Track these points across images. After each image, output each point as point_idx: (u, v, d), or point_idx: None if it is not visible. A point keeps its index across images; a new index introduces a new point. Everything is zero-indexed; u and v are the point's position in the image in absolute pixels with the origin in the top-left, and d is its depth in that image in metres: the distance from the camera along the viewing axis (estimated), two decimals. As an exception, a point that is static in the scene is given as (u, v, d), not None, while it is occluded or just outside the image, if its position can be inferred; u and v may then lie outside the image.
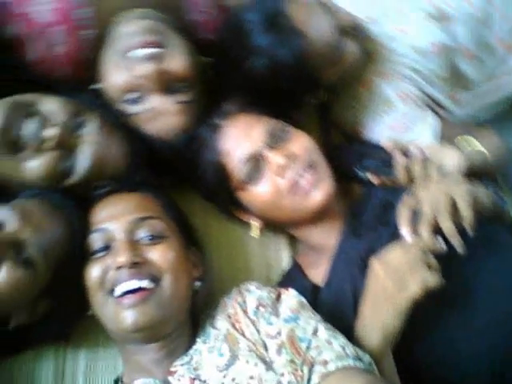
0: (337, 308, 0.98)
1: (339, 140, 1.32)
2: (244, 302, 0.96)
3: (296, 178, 1.03)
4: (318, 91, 1.16)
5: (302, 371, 0.82)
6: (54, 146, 0.98)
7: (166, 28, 1.09)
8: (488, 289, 0.94)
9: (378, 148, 1.15)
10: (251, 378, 0.84)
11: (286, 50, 1.03)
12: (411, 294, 0.83)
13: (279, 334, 0.88)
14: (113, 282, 0.91)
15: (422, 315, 0.85)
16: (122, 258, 0.90)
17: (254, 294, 0.97)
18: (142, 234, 0.94)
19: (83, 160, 1.01)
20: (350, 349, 0.83)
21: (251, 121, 1.07)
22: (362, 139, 1.25)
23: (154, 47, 1.04)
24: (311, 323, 0.87)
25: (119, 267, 0.90)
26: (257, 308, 0.93)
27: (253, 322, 0.92)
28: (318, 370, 0.80)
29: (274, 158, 1.02)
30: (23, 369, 1.05)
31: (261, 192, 1.05)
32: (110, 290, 0.91)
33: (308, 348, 0.84)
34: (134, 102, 1.06)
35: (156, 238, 0.95)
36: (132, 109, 1.07)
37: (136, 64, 1.03)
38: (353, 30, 1.12)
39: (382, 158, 1.10)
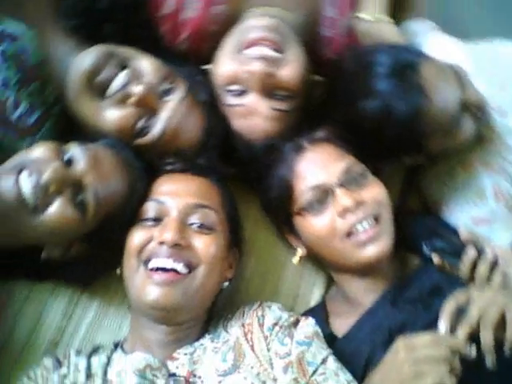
0: (345, 365, 0.95)
1: (415, 207, 1.28)
2: (263, 316, 0.96)
3: (356, 225, 1.00)
4: (417, 154, 1.12)
5: None
6: (135, 103, 0.99)
7: (289, 33, 1.08)
8: None
9: (452, 231, 1.10)
10: None
11: (404, 104, 1.00)
12: None
13: (289, 354, 0.88)
14: (151, 253, 0.92)
15: None
16: (168, 234, 0.91)
17: (274, 312, 0.96)
18: (194, 219, 0.95)
19: (159, 124, 1.02)
20: None
21: (335, 153, 1.06)
22: (439, 216, 1.20)
23: (272, 48, 1.04)
24: (322, 352, 0.89)
25: (162, 242, 0.91)
26: (273, 326, 0.93)
27: (265, 338, 0.92)
28: None
29: (342, 198, 1.00)
30: (36, 301, 1.08)
31: (317, 225, 1.03)
32: (145, 260, 0.93)
33: (314, 373, 0.85)
34: (235, 94, 1.07)
35: (205, 228, 0.95)
36: (230, 100, 1.08)
37: (249, 60, 1.03)
38: (476, 110, 1.08)
39: (453, 243, 1.05)
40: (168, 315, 0.91)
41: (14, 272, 1.05)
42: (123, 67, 1.01)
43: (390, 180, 1.13)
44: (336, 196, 1.01)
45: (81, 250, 0.98)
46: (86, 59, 1.00)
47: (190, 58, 1.16)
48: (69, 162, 0.91)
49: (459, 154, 1.16)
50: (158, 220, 0.96)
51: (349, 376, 0.87)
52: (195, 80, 1.09)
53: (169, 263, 0.90)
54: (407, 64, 1.02)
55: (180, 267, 0.91)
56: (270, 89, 1.04)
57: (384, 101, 1.01)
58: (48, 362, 0.96)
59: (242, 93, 1.06)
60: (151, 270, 0.91)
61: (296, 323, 0.95)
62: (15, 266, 1.03)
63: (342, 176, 1.02)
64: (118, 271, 1.00)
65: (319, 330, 0.94)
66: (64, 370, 0.94)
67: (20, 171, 0.89)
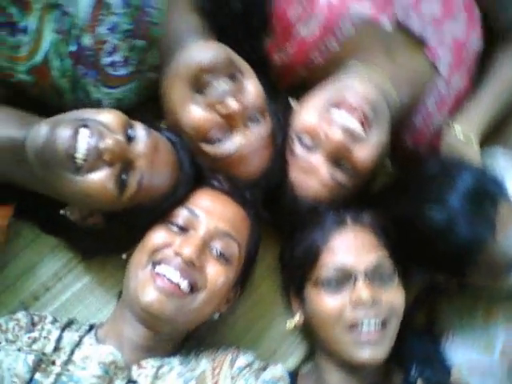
0: None
1: (420, 322, 1.25)
2: (236, 356, 0.95)
3: (363, 321, 0.98)
4: (452, 278, 1.09)
5: None
6: (222, 115, 0.96)
7: (384, 113, 1.04)
8: None
9: (444, 365, 1.08)
10: None
11: (470, 230, 0.97)
12: None
13: None
14: (164, 258, 0.92)
15: None
16: (188, 250, 0.91)
17: (247, 356, 0.96)
18: (217, 245, 0.95)
19: (231, 145, 0.99)
20: None
21: (373, 242, 1.04)
22: (439, 342, 1.17)
23: (360, 123, 1.01)
24: None
25: (178, 254, 0.91)
26: (244, 368, 0.92)
27: (232, 377, 0.91)
28: None
29: (362, 290, 0.98)
30: (35, 251, 1.08)
31: (326, 303, 1.01)
32: (155, 262, 0.92)
33: None
34: (304, 145, 1.04)
35: (223, 258, 0.95)
36: (297, 148, 1.05)
37: (333, 123, 1.01)
38: None
39: (441, 378, 1.04)
40: (154, 322, 0.91)
41: (28, 214, 1.06)
42: (232, 77, 0.99)
43: (407, 286, 1.10)
44: (356, 285, 0.99)
45: (98, 222, 0.97)
46: (206, 54, 0.98)
47: (276, 79, 1.16)
48: (130, 139, 0.90)
49: (489, 297, 1.13)
50: (184, 229, 0.95)
51: None
52: (278, 120, 1.08)
53: (175, 276, 0.90)
54: (489, 194, 1.00)
55: (184, 285, 0.90)
56: (338, 158, 1.02)
57: (451, 216, 0.98)
58: (23, 318, 0.96)
59: (311, 148, 1.04)
60: (157, 273, 0.91)
61: (265, 368, 0.95)
62: (32, 209, 1.03)
63: (370, 268, 1.00)
64: (125, 256, 0.99)
65: (287, 377, 0.95)
66: (36, 333, 0.93)
67: (81, 126, 0.87)
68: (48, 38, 0.96)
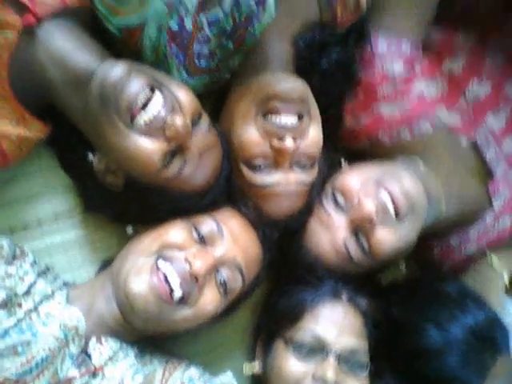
0: None
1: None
2: (188, 367, 0.93)
3: None
4: None
5: None
6: None
7: (421, 212, 1.03)
8: None
9: None
10: None
11: (458, 365, 0.96)
12: None
13: None
14: (171, 258, 0.88)
15: None
16: (199, 265, 0.87)
17: (200, 370, 0.94)
18: (224, 274, 0.92)
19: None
20: None
21: (358, 328, 1.02)
22: None
23: (394, 213, 1.01)
24: None
25: (188, 262, 0.87)
26: (195, 378, 0.91)
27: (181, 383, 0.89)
28: None
29: (328, 369, 0.95)
30: (41, 179, 1.03)
31: (291, 366, 0.98)
32: (161, 256, 0.88)
33: None
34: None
35: (223, 288, 0.92)
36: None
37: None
38: None
39: None
40: (130, 313, 0.87)
41: (57, 143, 1.01)
42: (299, 116, 0.98)
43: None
44: (326, 361, 0.97)
45: (116, 184, 0.93)
46: (285, 83, 0.98)
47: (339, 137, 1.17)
48: (193, 126, 0.88)
49: None
50: (203, 241, 0.92)
51: None
52: (323, 176, 1.08)
53: (175, 281, 0.86)
54: (493, 343, 1.00)
55: (178, 294, 0.86)
56: (359, 229, 1.02)
57: (447, 345, 0.97)
58: (7, 247, 0.92)
59: (340, 208, 1.04)
60: (158, 268, 0.87)
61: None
62: (63, 140, 0.99)
63: (346, 351, 0.98)
64: (129, 231, 0.96)
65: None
66: (13, 269, 0.90)
67: (157, 89, 0.85)
68: (155, 5, 0.92)
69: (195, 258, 0.87)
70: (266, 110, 0.97)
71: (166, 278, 0.86)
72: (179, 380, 0.89)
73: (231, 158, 1.00)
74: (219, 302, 0.91)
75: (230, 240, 0.93)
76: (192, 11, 0.93)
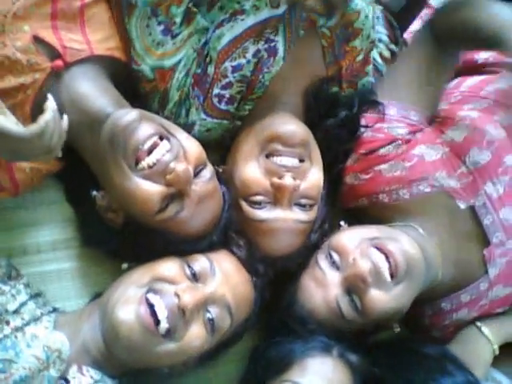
0: None
1: None
2: None
3: None
4: None
5: None
6: None
7: (421, 270, 1.04)
8: None
9: None
10: None
11: None
12: None
13: None
14: (160, 291, 0.90)
15: None
16: (187, 299, 0.88)
17: None
18: (213, 312, 0.93)
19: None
20: None
21: (344, 382, 1.00)
22: None
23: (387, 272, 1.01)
24: None
25: (177, 295, 0.89)
26: None
27: None
28: None
29: None
30: (46, 211, 1.08)
31: None
32: (151, 289, 0.90)
33: None
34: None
35: (210, 326, 0.92)
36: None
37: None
38: None
39: None
40: (114, 342, 0.88)
41: (66, 176, 1.07)
42: (301, 160, 1.03)
43: None
44: None
45: (116, 221, 0.97)
46: (288, 126, 1.04)
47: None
48: (196, 174, 0.94)
49: None
50: (195, 277, 0.94)
51: None
52: (322, 222, 1.11)
53: (162, 314, 0.87)
54: None
55: (164, 326, 0.87)
56: (352, 288, 1.02)
57: None
58: (4, 267, 0.96)
59: (334, 266, 1.05)
60: (147, 299, 0.88)
61: None
62: (73, 175, 1.05)
63: None
64: (125, 266, 0.98)
65: None
66: (7, 287, 0.92)
67: (165, 137, 0.92)
68: (186, 51, 1.04)
69: (185, 292, 0.89)
70: (269, 151, 1.02)
71: (153, 309, 0.87)
72: None
73: (230, 203, 1.03)
74: (205, 338, 0.92)
75: (222, 279, 0.95)
76: (215, 59, 1.04)
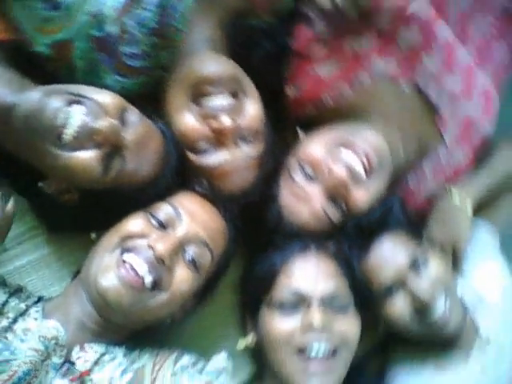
0: None
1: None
2: (180, 357, 0.93)
3: (312, 345, 0.97)
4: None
5: None
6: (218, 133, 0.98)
7: (386, 164, 1.07)
8: None
9: None
10: None
11: None
12: None
13: None
14: (134, 247, 0.89)
15: None
16: (162, 247, 0.88)
17: (192, 357, 0.94)
18: (192, 252, 0.93)
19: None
20: None
21: (333, 271, 1.04)
22: None
23: (362, 168, 1.03)
24: None
25: (151, 247, 0.88)
26: (187, 367, 0.90)
27: (173, 374, 0.88)
28: None
29: (314, 315, 0.97)
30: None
31: (279, 325, 1.00)
32: (125, 248, 0.89)
33: None
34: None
35: (193, 265, 0.93)
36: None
37: (345, 164, 1.02)
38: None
39: None
40: (106, 308, 0.87)
41: (6, 172, 1.02)
42: (234, 94, 1.00)
43: (366, 334, 1.09)
44: (310, 310, 0.98)
45: (73, 199, 0.95)
46: (211, 65, 1.00)
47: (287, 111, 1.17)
48: (123, 123, 0.89)
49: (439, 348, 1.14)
50: (163, 226, 0.93)
51: None
52: (272, 146, 1.09)
53: (142, 269, 0.87)
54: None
55: (148, 280, 0.87)
56: (336, 195, 1.04)
57: None
58: None
59: (311, 178, 1.05)
60: (124, 261, 0.88)
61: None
62: (12, 169, 0.99)
63: (327, 296, 1.00)
64: (94, 236, 0.97)
65: (230, 367, 0.93)
66: None
67: (75, 102, 0.86)
68: (80, 18, 0.96)
69: (157, 241, 0.88)
70: (198, 95, 0.98)
71: (133, 268, 0.87)
72: (170, 371, 0.88)
73: (177, 142, 1.00)
74: (192, 279, 0.92)
75: (189, 219, 0.94)
76: (113, 16, 0.97)
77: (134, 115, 0.92)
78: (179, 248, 0.91)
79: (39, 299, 0.96)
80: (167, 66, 1.06)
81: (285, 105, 1.19)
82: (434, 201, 1.21)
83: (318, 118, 1.17)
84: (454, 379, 1.11)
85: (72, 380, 0.84)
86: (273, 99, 1.11)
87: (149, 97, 1.08)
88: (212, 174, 1.01)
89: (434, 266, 1.07)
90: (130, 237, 0.90)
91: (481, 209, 1.22)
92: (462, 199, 1.17)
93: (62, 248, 1.06)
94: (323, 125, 1.14)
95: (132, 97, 1.01)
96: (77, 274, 0.99)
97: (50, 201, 0.95)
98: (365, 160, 1.02)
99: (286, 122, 1.20)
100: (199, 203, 0.99)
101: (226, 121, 0.96)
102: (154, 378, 0.87)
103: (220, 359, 0.94)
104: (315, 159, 1.04)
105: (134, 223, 0.92)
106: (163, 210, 0.95)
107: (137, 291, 0.86)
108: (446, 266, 1.11)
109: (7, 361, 0.80)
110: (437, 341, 1.12)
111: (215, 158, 1.00)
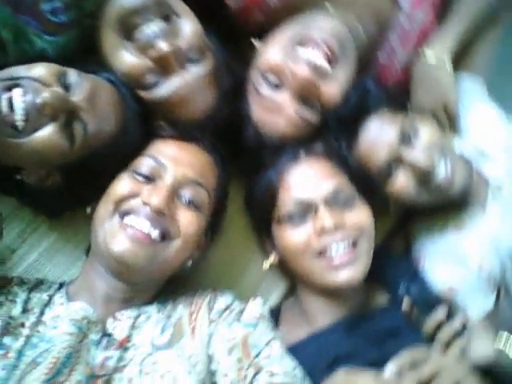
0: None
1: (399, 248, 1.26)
2: (214, 300, 0.94)
3: (330, 246, 0.98)
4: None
5: (246, 372, 0.82)
6: (153, 59, 0.95)
7: (351, 48, 1.03)
8: None
9: (429, 285, 1.09)
10: (168, 372, 0.82)
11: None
12: None
13: (234, 338, 0.87)
14: (131, 209, 0.89)
15: None
16: (156, 199, 0.88)
17: (226, 298, 0.95)
18: (186, 194, 0.93)
19: (167, 87, 0.97)
20: (300, 372, 0.86)
21: (329, 170, 1.03)
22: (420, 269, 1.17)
23: (326, 58, 0.99)
24: (267, 334, 0.89)
25: (147, 203, 0.88)
26: (223, 311, 0.92)
27: (210, 322, 0.90)
28: (264, 378, 0.81)
29: (324, 218, 0.97)
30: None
31: (293, 237, 1.00)
32: (123, 212, 0.89)
33: (257, 355, 0.84)
34: (270, 84, 1.01)
35: (192, 205, 0.93)
36: (263, 88, 1.02)
37: (299, 60, 0.98)
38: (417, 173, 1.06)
39: (428, 294, 1.03)
40: (127, 272, 0.88)
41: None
42: (166, 18, 0.96)
43: (381, 218, 1.11)
44: (318, 214, 0.98)
45: (57, 181, 0.94)
46: None
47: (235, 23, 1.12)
48: (67, 88, 0.87)
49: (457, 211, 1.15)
50: (150, 179, 0.92)
51: (292, 362, 0.86)
52: (225, 61, 1.05)
53: (146, 226, 0.87)
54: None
55: (155, 234, 0.88)
56: (306, 96, 1.00)
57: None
58: None
59: (277, 86, 1.01)
60: (126, 224, 0.88)
61: (245, 307, 0.94)
62: None
63: (330, 195, 0.99)
64: (89, 210, 0.96)
65: (266, 312, 0.93)
66: (1, 298, 0.90)
67: (13, 86, 0.83)
68: None
69: (149, 196, 0.89)
70: (128, 31, 0.94)
71: (137, 229, 0.87)
72: (207, 319, 0.90)
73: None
74: (196, 219, 0.93)
75: (172, 164, 0.93)
76: None
77: (73, 76, 0.89)
78: (173, 194, 0.91)
79: (61, 285, 0.97)
80: (94, 12, 1.00)
81: (231, 18, 1.13)
82: (410, 69, 1.17)
83: (270, 23, 1.11)
84: (476, 235, 1.12)
85: (115, 349, 0.85)
86: (218, 15, 1.07)
87: (89, 49, 1.03)
88: (170, 105, 0.99)
89: (426, 133, 1.05)
90: (123, 200, 0.90)
91: (459, 62, 1.19)
92: (438, 57, 1.13)
93: (65, 231, 1.07)
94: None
95: (72, 54, 0.99)
96: (89, 250, 0.99)
97: (36, 190, 0.94)
98: (326, 49, 0.98)
99: (240, 36, 1.14)
100: (176, 145, 0.98)
101: (163, 46, 0.93)
102: (193, 327, 0.89)
103: (256, 306, 0.93)
104: (275, 65, 1.00)
105: (122, 185, 0.92)
106: (144, 164, 0.94)
107: (150, 246, 0.87)
108: (437, 129, 1.09)
109: (46, 350, 0.82)
110: (449, 203, 1.12)
111: (167, 87, 0.97)
